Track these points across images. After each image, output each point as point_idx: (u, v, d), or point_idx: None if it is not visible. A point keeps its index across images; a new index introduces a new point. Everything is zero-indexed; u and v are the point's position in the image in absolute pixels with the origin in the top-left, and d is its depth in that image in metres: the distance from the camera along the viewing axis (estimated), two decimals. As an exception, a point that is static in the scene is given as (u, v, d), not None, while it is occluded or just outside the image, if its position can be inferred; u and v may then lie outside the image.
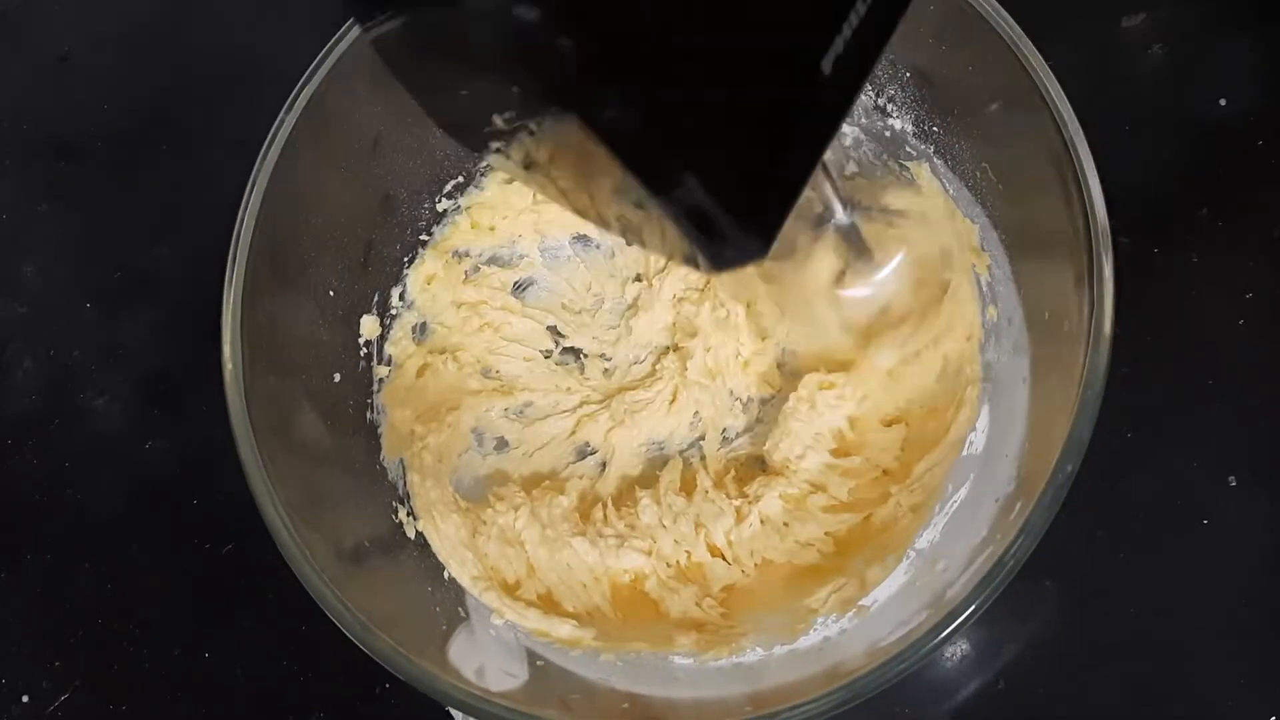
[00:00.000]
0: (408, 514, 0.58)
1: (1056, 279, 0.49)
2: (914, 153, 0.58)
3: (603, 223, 0.32)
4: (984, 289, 0.57)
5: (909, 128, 0.58)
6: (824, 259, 0.52)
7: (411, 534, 0.57)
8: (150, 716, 0.61)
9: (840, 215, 0.48)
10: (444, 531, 0.57)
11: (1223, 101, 0.64)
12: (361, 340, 0.59)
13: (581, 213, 0.31)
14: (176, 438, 0.66)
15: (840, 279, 0.53)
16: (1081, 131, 0.47)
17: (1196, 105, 0.64)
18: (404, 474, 0.59)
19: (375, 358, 0.60)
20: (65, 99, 0.75)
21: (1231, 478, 0.58)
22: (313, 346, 0.56)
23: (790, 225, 0.49)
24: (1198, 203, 0.62)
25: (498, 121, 0.28)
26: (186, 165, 0.72)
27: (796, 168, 0.30)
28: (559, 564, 0.58)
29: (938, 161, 0.58)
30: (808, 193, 0.46)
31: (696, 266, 0.30)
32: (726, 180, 0.27)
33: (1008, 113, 0.50)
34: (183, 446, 0.66)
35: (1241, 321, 0.60)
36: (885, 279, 0.53)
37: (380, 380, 0.60)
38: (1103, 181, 0.47)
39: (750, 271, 0.55)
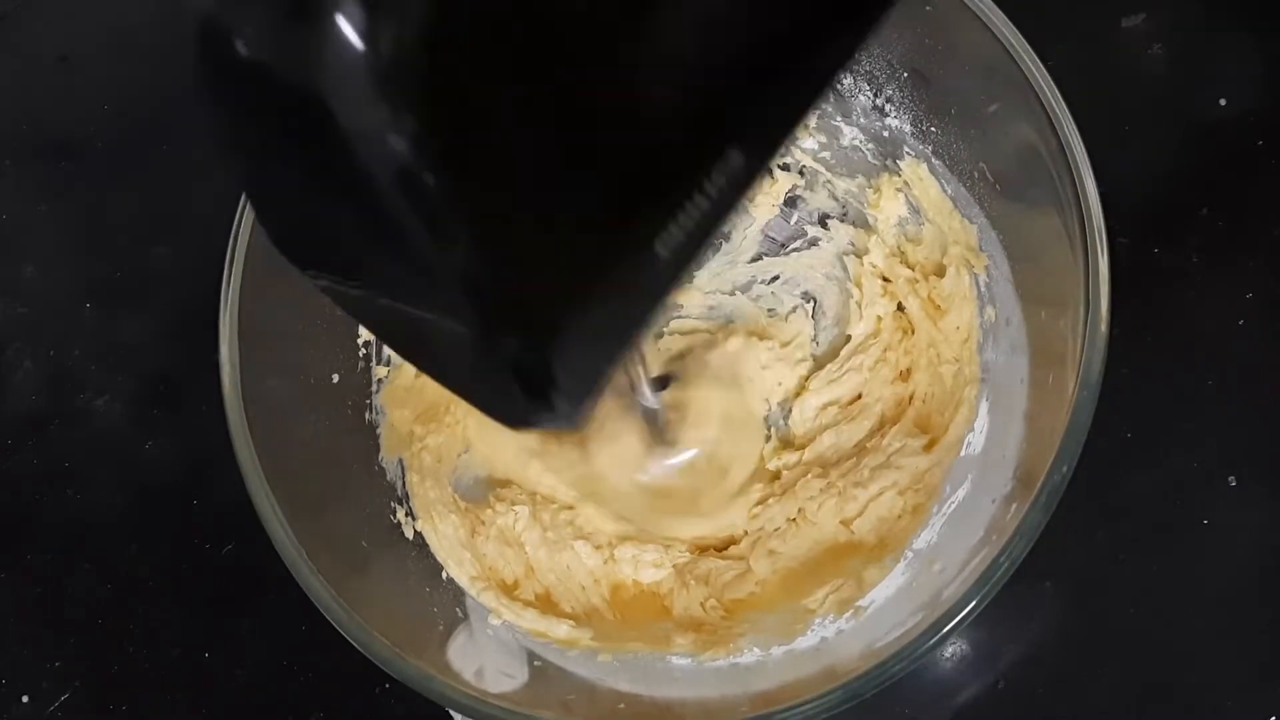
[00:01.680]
0: (406, 514, 0.58)
1: (1054, 279, 0.49)
2: (912, 153, 0.58)
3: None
4: (982, 289, 0.57)
5: (907, 128, 0.58)
6: (626, 440, 0.53)
7: (410, 534, 0.57)
8: (150, 716, 0.61)
9: (648, 399, 0.49)
10: (443, 531, 0.57)
11: (1223, 101, 0.64)
12: (360, 340, 0.59)
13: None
14: (176, 438, 0.66)
15: (641, 460, 0.54)
16: (1078, 132, 0.47)
17: (1196, 105, 0.64)
18: (403, 474, 0.59)
19: (374, 358, 0.60)
20: (65, 99, 0.75)
21: (1231, 478, 0.57)
22: (312, 347, 0.56)
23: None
24: (1198, 203, 0.62)
25: None
26: (186, 165, 0.72)
27: (616, 341, 0.30)
28: (559, 565, 0.58)
29: (936, 162, 0.58)
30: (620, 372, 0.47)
31: (507, 424, 0.30)
32: (541, 346, 0.27)
33: (1005, 113, 0.50)
34: (183, 446, 0.66)
35: (1241, 321, 0.60)
36: (681, 465, 0.55)
37: (379, 380, 0.60)
38: (1102, 182, 0.47)
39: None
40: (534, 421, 0.29)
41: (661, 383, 0.51)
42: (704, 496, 0.58)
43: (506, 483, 0.60)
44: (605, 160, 0.26)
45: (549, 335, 0.27)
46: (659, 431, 0.52)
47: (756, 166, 0.30)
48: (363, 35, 0.21)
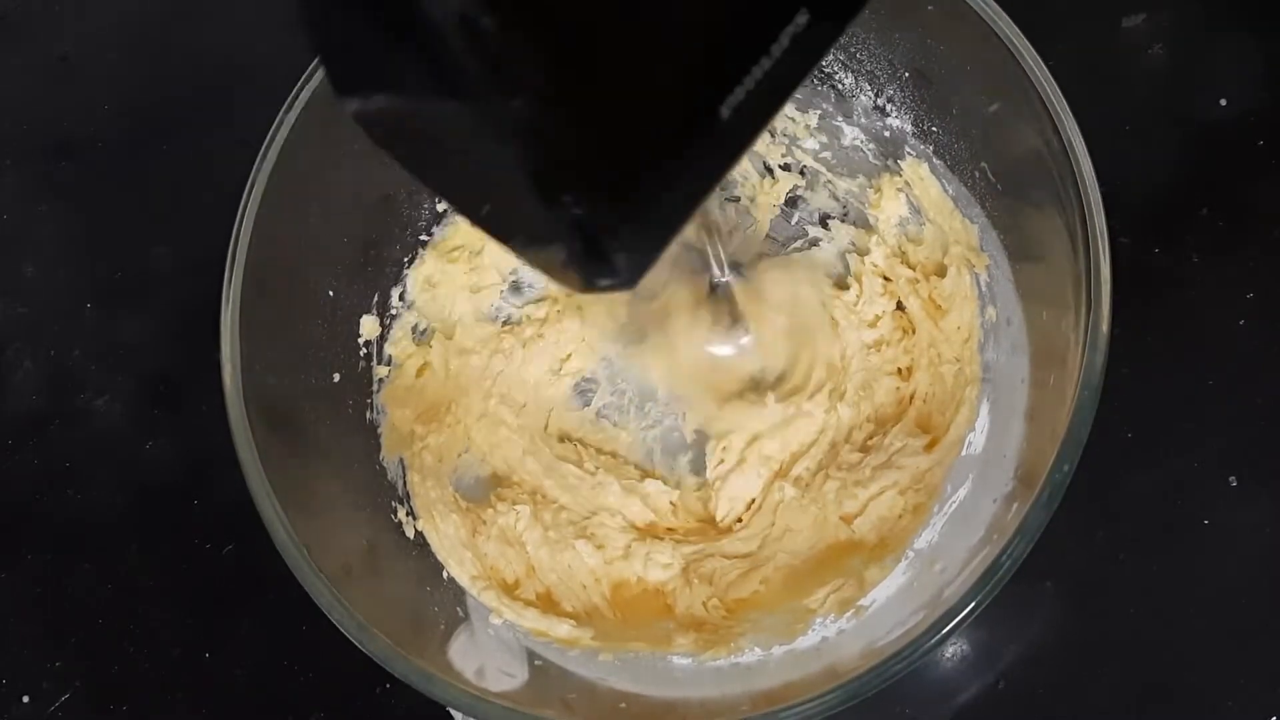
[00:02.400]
0: (407, 514, 0.58)
1: (1055, 279, 0.49)
2: (913, 152, 0.58)
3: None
4: (983, 289, 0.57)
5: (908, 127, 0.58)
6: (696, 313, 0.53)
7: (411, 534, 0.57)
8: (150, 716, 0.61)
9: (719, 275, 0.49)
10: (443, 531, 0.57)
11: (1223, 101, 0.64)
12: (361, 340, 0.59)
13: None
14: (176, 438, 0.66)
15: (707, 335, 0.54)
16: (1079, 132, 0.47)
17: (1196, 105, 0.64)
18: (404, 474, 0.59)
19: (375, 358, 0.60)
20: (65, 99, 0.75)
21: (1232, 478, 0.58)
22: (312, 346, 0.56)
23: (672, 275, 0.50)
24: (1198, 203, 0.62)
25: None
26: (186, 165, 0.72)
27: (679, 206, 0.29)
28: (560, 564, 0.58)
29: (937, 161, 0.58)
30: (694, 245, 0.47)
31: (564, 283, 0.30)
32: (605, 204, 0.27)
33: (1006, 113, 0.50)
34: (183, 446, 0.66)
35: (1241, 321, 0.60)
36: (748, 345, 0.55)
37: (380, 380, 0.60)
38: (1102, 181, 0.47)
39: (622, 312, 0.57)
40: (593, 281, 0.29)
41: (735, 267, 0.50)
42: (767, 386, 0.57)
43: (508, 481, 0.60)
44: (674, 15, 0.26)
45: (612, 193, 0.26)
46: (731, 309, 0.52)
47: (826, 32, 0.29)
48: None
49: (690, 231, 0.46)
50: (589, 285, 0.29)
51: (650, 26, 0.26)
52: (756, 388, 0.57)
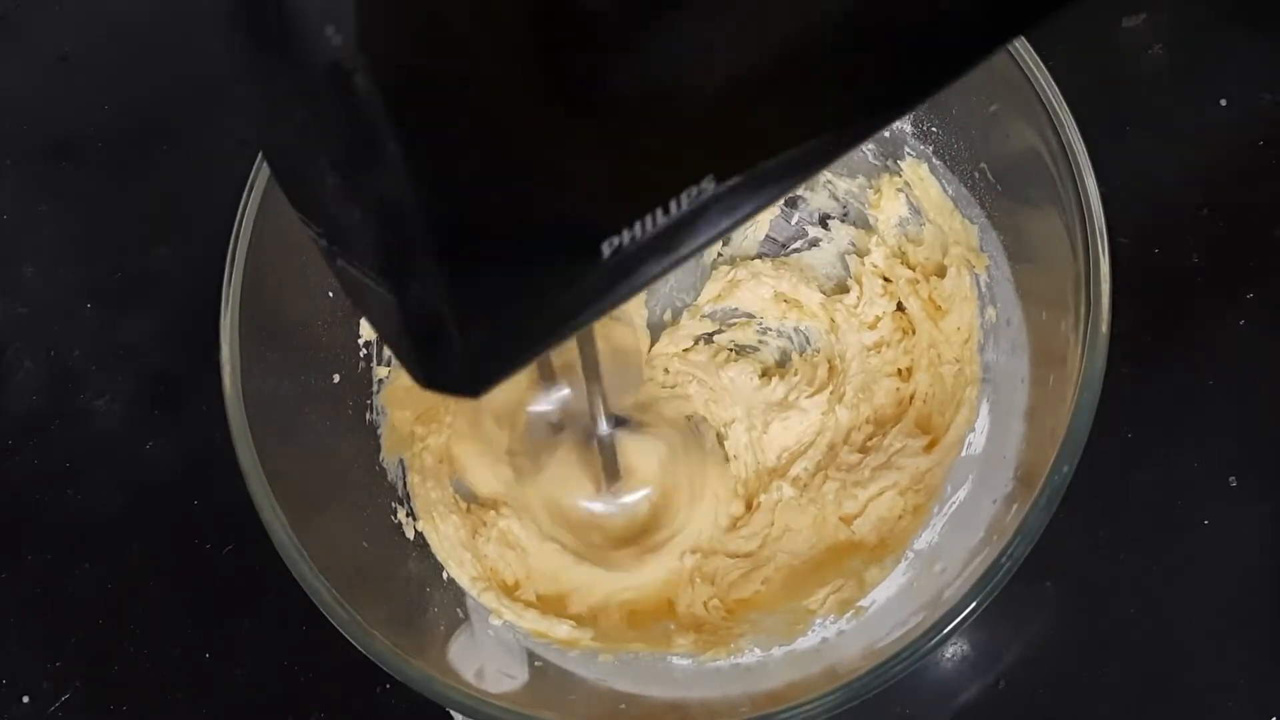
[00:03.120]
0: (407, 514, 0.58)
1: (1055, 279, 0.49)
2: (913, 153, 0.58)
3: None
4: (982, 289, 0.57)
5: (908, 128, 0.58)
6: (573, 469, 0.52)
7: (411, 534, 0.57)
8: (150, 716, 0.61)
9: (602, 427, 0.48)
10: (444, 532, 0.57)
11: (1223, 101, 0.64)
12: (361, 341, 0.59)
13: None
14: (176, 438, 0.66)
15: (588, 490, 0.53)
16: (1079, 132, 0.47)
17: (1196, 105, 0.64)
18: (404, 474, 0.59)
19: (375, 359, 0.60)
20: (65, 99, 0.75)
21: (1232, 478, 0.58)
22: (312, 347, 0.56)
23: (552, 428, 0.49)
24: (1198, 203, 0.62)
25: None
26: (186, 165, 0.72)
27: (539, 334, 0.28)
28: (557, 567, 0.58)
29: (936, 162, 0.58)
30: (578, 396, 0.46)
31: (412, 375, 0.28)
32: (476, 306, 0.25)
33: (1006, 113, 0.50)
34: (183, 446, 0.66)
35: (1241, 321, 0.60)
36: (629, 502, 0.54)
37: (380, 381, 0.60)
38: (1102, 181, 0.47)
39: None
40: (432, 377, 0.27)
41: (619, 420, 0.49)
42: (648, 540, 0.56)
43: (494, 502, 0.60)
44: (575, 130, 0.24)
45: (459, 297, 0.25)
46: (609, 464, 0.51)
47: (737, 207, 0.27)
48: None
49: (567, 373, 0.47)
50: (429, 382, 0.27)
51: (547, 141, 0.24)
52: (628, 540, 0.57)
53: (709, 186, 0.26)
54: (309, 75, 0.21)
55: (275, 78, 0.23)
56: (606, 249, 0.25)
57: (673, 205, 0.26)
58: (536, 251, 0.25)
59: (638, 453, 0.54)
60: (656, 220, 0.26)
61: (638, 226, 0.25)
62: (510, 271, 0.25)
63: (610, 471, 0.51)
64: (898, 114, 0.30)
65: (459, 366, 0.26)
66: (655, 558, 0.57)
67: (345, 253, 0.26)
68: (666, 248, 0.26)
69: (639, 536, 0.55)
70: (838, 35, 0.26)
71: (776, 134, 0.27)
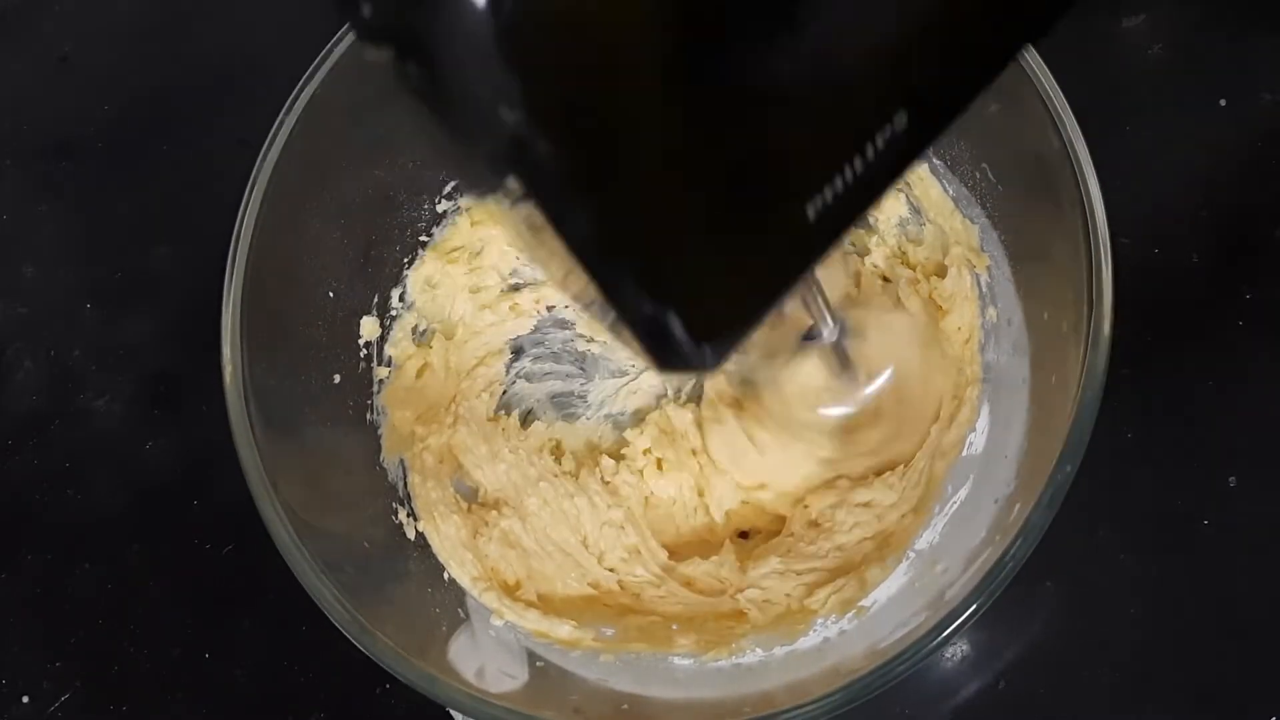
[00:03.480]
0: (408, 515, 0.58)
1: (1056, 279, 0.49)
2: (913, 153, 0.58)
3: (571, 295, 0.31)
4: (983, 289, 0.57)
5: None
6: (808, 374, 0.52)
7: (412, 535, 0.57)
8: (150, 716, 0.61)
9: (828, 334, 0.49)
10: (445, 532, 0.57)
11: (1223, 102, 0.64)
12: (361, 341, 0.59)
13: (557, 282, 0.31)
14: (176, 438, 0.66)
15: (822, 396, 0.53)
16: (1080, 132, 0.47)
17: (1196, 105, 0.64)
18: (404, 475, 0.59)
19: (375, 359, 0.60)
20: (65, 99, 0.75)
21: (1231, 478, 0.58)
22: (312, 347, 0.56)
23: (776, 335, 0.49)
24: (1198, 203, 0.62)
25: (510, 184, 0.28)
26: (186, 165, 0.72)
27: (758, 300, 0.29)
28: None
29: (937, 162, 0.58)
30: (797, 307, 0.47)
31: (647, 363, 0.30)
32: (687, 294, 0.27)
33: (1007, 113, 0.50)
34: (183, 446, 0.66)
35: (1241, 322, 0.60)
36: (867, 398, 0.54)
37: (380, 381, 0.60)
38: (1102, 182, 0.47)
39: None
40: (668, 366, 0.29)
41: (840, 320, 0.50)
42: (907, 421, 0.56)
43: (496, 502, 0.60)
44: (765, 116, 0.25)
45: (683, 294, 0.26)
46: (844, 361, 0.51)
47: (921, 138, 0.28)
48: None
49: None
50: (664, 370, 0.29)
51: (737, 132, 0.25)
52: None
53: (901, 121, 0.27)
54: (494, 148, 0.23)
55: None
56: (811, 211, 0.27)
57: (869, 149, 0.27)
58: (749, 230, 0.26)
59: (869, 343, 0.53)
60: (855, 169, 0.27)
61: (837, 180, 0.27)
62: (733, 258, 0.27)
63: (846, 367, 0.51)
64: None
65: (689, 352, 0.28)
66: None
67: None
68: (863, 192, 0.28)
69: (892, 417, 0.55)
70: None
71: (948, 62, 0.28)
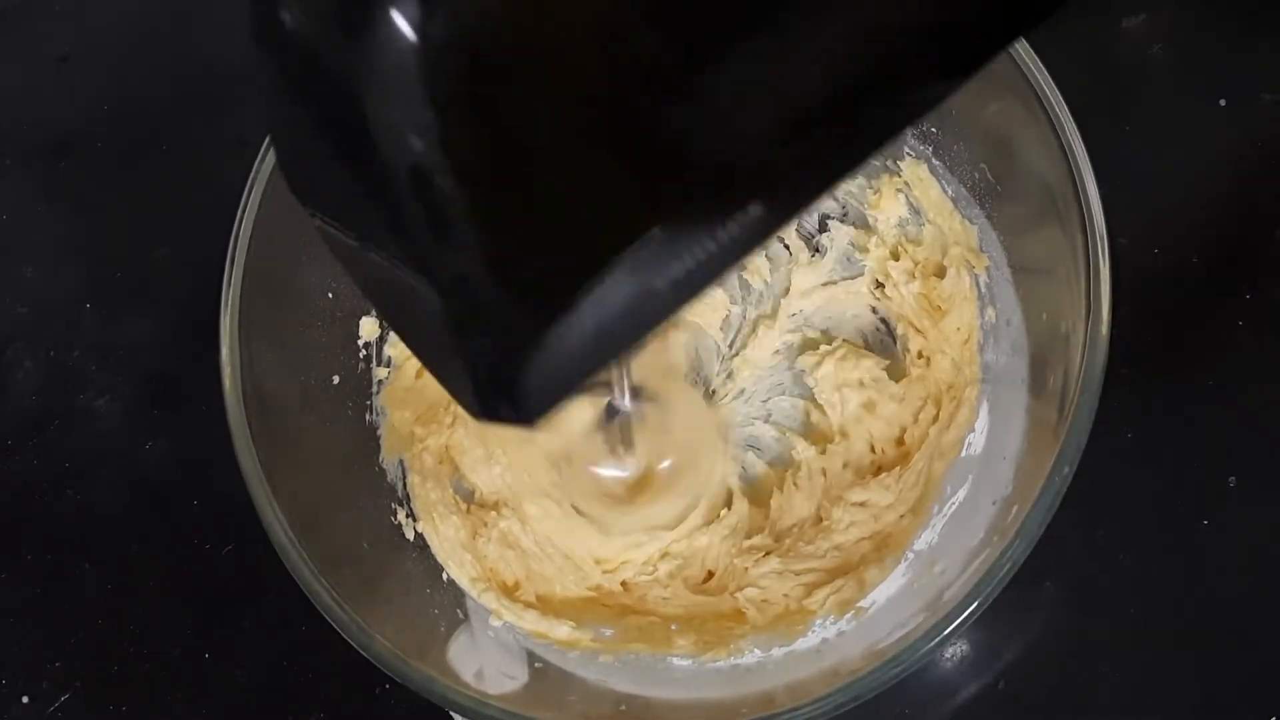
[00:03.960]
0: (407, 515, 0.58)
1: (1055, 280, 0.49)
2: (912, 153, 0.58)
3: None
4: (982, 290, 0.57)
5: (908, 128, 0.58)
6: (590, 435, 0.53)
7: (411, 535, 0.57)
8: (150, 716, 0.61)
9: (623, 403, 0.50)
10: (444, 533, 0.57)
11: (1222, 102, 0.64)
12: (361, 342, 0.59)
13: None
14: (176, 438, 0.66)
15: (596, 456, 0.54)
16: (1079, 133, 0.47)
17: (1196, 105, 0.64)
18: (404, 475, 0.59)
19: (375, 359, 0.60)
20: (65, 99, 0.75)
21: (1231, 478, 0.57)
22: (312, 348, 0.56)
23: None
24: (1198, 203, 0.62)
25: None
26: (186, 165, 0.72)
27: (588, 360, 0.29)
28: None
29: (936, 162, 0.58)
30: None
31: (465, 409, 0.30)
32: (529, 347, 0.27)
33: (1006, 114, 0.50)
34: (183, 446, 0.66)
35: (1241, 322, 0.60)
36: (636, 472, 0.55)
37: (380, 382, 0.60)
38: (1102, 182, 0.47)
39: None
40: (492, 419, 0.29)
41: (636, 392, 0.51)
42: (658, 508, 0.58)
43: (496, 503, 0.60)
44: (621, 187, 0.26)
45: (521, 345, 0.26)
46: (625, 438, 0.53)
47: (775, 223, 0.28)
48: (415, 27, 0.22)
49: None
50: (486, 418, 0.29)
51: (597, 193, 0.26)
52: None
53: (757, 210, 0.28)
54: (389, 176, 0.24)
55: (351, 177, 0.25)
56: (658, 279, 0.27)
57: (719, 231, 0.27)
58: (596, 293, 0.27)
59: (654, 423, 0.54)
60: (704, 245, 0.27)
61: (688, 256, 0.27)
62: (572, 318, 0.27)
63: (628, 443, 0.53)
64: (912, 119, 0.31)
65: (517, 404, 0.28)
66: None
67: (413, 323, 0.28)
68: (708, 270, 0.28)
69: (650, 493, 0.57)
70: (876, 51, 0.28)
71: (824, 154, 0.29)
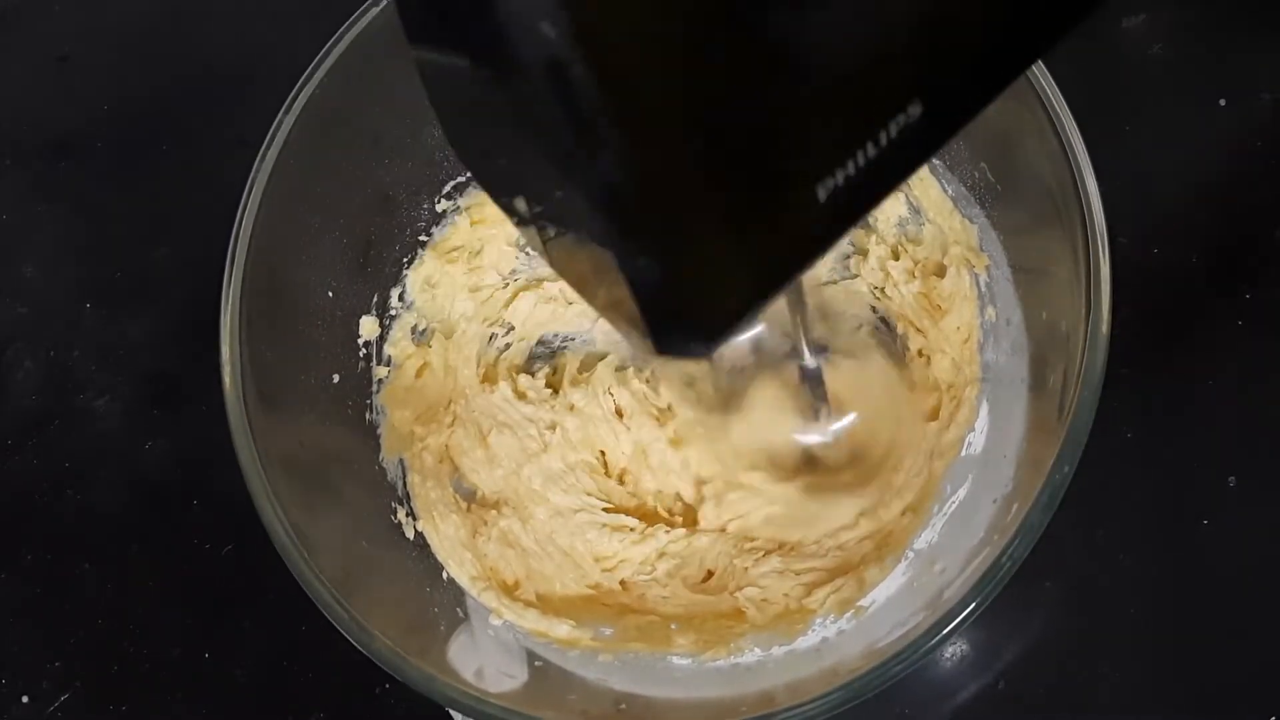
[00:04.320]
0: (407, 514, 0.58)
1: (1055, 279, 0.49)
2: (913, 153, 0.58)
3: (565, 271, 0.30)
4: (982, 289, 0.57)
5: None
6: (776, 395, 0.52)
7: (411, 534, 0.57)
8: (150, 716, 0.61)
9: (808, 359, 0.48)
10: (444, 532, 0.57)
11: (1222, 101, 0.64)
12: (361, 341, 0.59)
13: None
14: (176, 438, 0.66)
15: (791, 420, 0.53)
16: (1079, 132, 0.47)
17: (1196, 105, 0.64)
18: (404, 474, 0.59)
19: (374, 358, 0.60)
20: (65, 99, 0.75)
21: (1231, 478, 0.57)
22: (312, 347, 0.56)
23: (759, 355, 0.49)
24: (1197, 203, 0.62)
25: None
26: (186, 165, 0.72)
27: (764, 283, 0.28)
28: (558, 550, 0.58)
29: (936, 162, 0.58)
30: (780, 333, 0.46)
31: (638, 347, 0.29)
32: (684, 274, 0.26)
33: (1005, 113, 0.50)
34: (183, 446, 0.66)
35: (1241, 322, 0.60)
36: (836, 431, 0.53)
37: (379, 381, 0.60)
38: (1101, 181, 0.47)
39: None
40: (666, 348, 0.28)
41: (821, 350, 0.49)
42: (866, 470, 0.56)
43: (496, 502, 0.60)
44: (779, 86, 0.25)
45: (690, 263, 0.25)
46: (818, 394, 0.51)
47: (939, 132, 0.28)
48: None
49: (779, 315, 0.45)
50: (661, 351, 0.28)
51: (752, 100, 0.25)
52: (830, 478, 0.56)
53: (915, 111, 0.27)
54: (526, 74, 0.22)
55: (482, 80, 0.24)
56: (822, 192, 0.26)
57: (882, 135, 0.27)
58: (757, 206, 0.26)
59: (844, 379, 0.53)
60: (868, 154, 0.26)
61: (850, 164, 0.26)
62: (739, 236, 0.26)
63: (821, 400, 0.51)
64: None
65: (691, 332, 0.27)
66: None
67: (576, 230, 0.26)
68: (877, 179, 0.27)
69: (851, 465, 0.55)
70: None
71: (966, 57, 0.28)
